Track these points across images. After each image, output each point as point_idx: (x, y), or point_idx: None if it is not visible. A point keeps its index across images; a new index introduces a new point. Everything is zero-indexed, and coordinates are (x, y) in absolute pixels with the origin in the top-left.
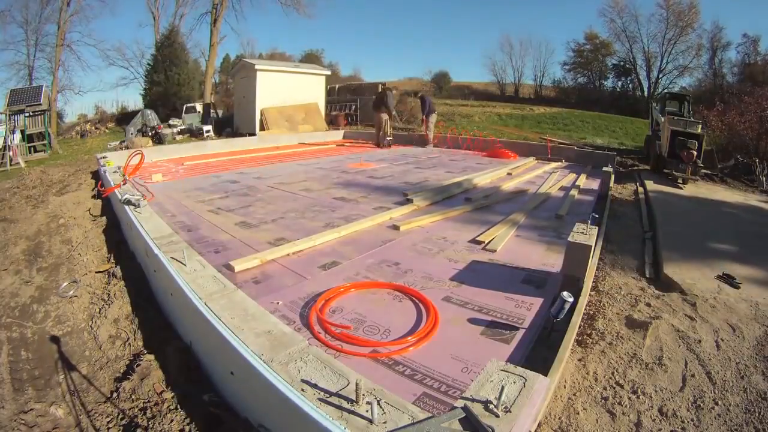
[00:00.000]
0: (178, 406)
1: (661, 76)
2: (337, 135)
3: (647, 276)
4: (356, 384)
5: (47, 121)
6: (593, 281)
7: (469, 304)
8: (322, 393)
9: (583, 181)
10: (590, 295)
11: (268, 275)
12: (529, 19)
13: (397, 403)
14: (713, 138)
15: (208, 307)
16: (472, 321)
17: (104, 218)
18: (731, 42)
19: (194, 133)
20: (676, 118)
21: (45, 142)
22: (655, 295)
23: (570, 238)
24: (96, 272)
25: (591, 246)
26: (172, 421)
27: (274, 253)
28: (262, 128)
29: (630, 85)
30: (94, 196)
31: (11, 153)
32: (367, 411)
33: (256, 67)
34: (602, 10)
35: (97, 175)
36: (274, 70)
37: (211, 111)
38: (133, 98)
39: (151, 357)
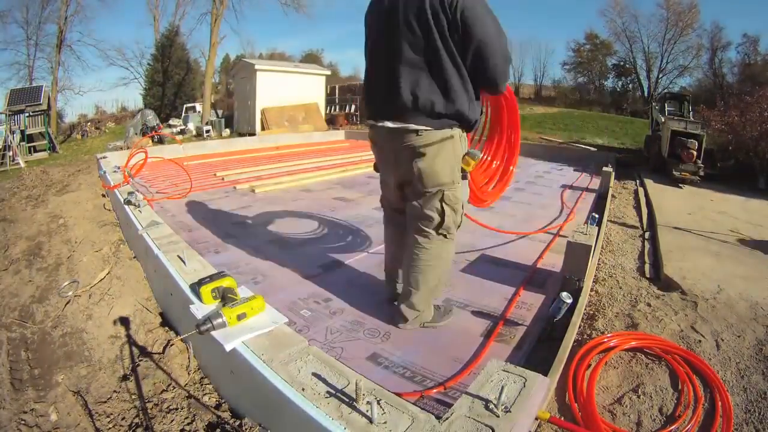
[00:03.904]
0: (179, 406)
1: (661, 76)
2: (338, 135)
3: (647, 276)
4: (356, 384)
5: (47, 121)
6: (593, 281)
7: (470, 305)
8: (322, 392)
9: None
10: (590, 295)
11: (268, 275)
12: (529, 19)
13: (397, 403)
14: (713, 138)
15: None
16: (472, 321)
17: (104, 218)
18: (731, 42)
19: (196, 133)
20: (676, 118)
21: (46, 142)
22: (655, 295)
23: (570, 238)
24: (96, 272)
25: (591, 246)
26: (172, 421)
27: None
28: (263, 128)
29: (630, 85)
30: (103, 195)
31: (11, 153)
32: (367, 410)
33: (256, 67)
34: (602, 10)
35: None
36: (274, 70)
37: (211, 111)
38: (133, 98)
39: (151, 357)
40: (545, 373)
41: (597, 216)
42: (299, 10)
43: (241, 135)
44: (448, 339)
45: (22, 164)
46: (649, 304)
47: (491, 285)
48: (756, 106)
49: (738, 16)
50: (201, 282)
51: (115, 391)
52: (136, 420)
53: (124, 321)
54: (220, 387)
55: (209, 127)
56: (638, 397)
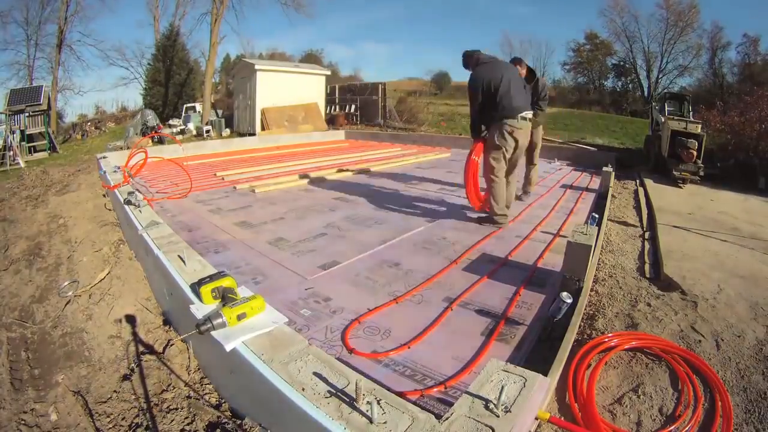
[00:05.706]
0: (179, 406)
1: (661, 76)
2: (338, 135)
3: (647, 276)
4: (356, 384)
5: (47, 121)
6: (593, 281)
7: (470, 304)
8: (322, 392)
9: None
10: (590, 295)
11: (268, 275)
12: (529, 19)
13: (397, 403)
14: (713, 138)
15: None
16: (473, 321)
17: (104, 218)
18: (731, 42)
19: (196, 133)
20: (676, 118)
21: (46, 141)
22: (655, 295)
23: (570, 239)
24: (96, 272)
25: (591, 246)
26: (172, 421)
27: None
28: (263, 128)
29: (630, 85)
30: (104, 195)
31: (11, 153)
32: (367, 410)
33: (256, 67)
34: (602, 10)
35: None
36: (274, 70)
37: (211, 111)
38: (133, 98)
39: (151, 357)
40: (545, 373)
41: (597, 216)
42: (299, 11)
43: (241, 135)
44: (448, 337)
45: (22, 164)
46: (649, 304)
47: (492, 284)
48: (756, 106)
49: (738, 16)
50: (201, 282)
51: (115, 391)
52: (137, 420)
53: (130, 318)
54: (220, 387)
55: (209, 127)
56: (638, 397)
